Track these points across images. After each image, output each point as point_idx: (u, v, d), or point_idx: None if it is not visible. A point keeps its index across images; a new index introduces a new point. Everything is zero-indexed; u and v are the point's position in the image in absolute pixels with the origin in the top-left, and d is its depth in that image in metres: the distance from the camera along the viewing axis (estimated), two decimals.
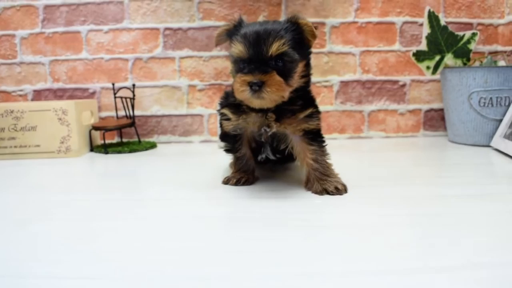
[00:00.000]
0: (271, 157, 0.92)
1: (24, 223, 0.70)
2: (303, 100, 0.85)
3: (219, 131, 1.04)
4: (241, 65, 0.79)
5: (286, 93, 0.79)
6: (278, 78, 0.76)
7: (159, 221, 0.70)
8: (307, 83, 0.87)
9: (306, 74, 0.86)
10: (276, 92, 0.76)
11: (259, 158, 0.94)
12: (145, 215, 0.74)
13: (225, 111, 0.89)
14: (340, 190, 0.82)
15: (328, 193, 0.82)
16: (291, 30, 0.79)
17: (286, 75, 0.78)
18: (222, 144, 0.97)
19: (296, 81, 0.82)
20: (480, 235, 0.61)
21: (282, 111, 0.82)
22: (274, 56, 0.76)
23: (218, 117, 0.95)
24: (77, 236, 0.64)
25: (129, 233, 0.65)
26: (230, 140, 0.93)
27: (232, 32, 0.83)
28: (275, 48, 0.76)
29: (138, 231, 0.66)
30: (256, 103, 0.78)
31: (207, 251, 0.57)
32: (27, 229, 0.68)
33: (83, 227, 0.68)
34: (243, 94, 0.77)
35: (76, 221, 0.72)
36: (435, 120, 1.60)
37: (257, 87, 0.75)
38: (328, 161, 0.87)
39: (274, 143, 0.89)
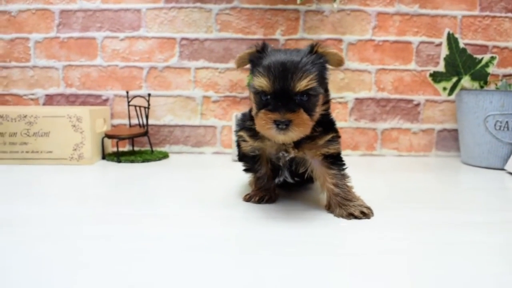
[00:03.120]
0: (290, 180, 0.91)
1: (33, 241, 0.69)
2: (323, 125, 0.82)
3: (234, 147, 1.02)
4: (263, 97, 0.76)
5: (310, 128, 0.77)
6: (305, 116, 0.74)
7: (173, 242, 0.68)
8: (328, 109, 0.85)
9: (327, 101, 0.84)
10: (303, 130, 0.74)
11: (276, 180, 0.93)
12: (158, 235, 0.71)
13: (242, 133, 0.88)
14: (367, 214, 0.81)
15: (355, 217, 0.80)
16: (317, 61, 0.77)
17: (310, 109, 0.76)
18: (241, 162, 0.96)
19: (319, 111, 0.80)
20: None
21: (301, 138, 0.80)
22: (300, 92, 0.74)
23: (234, 138, 0.94)
24: (82, 259, 0.61)
25: (140, 256, 0.62)
26: (249, 161, 0.92)
27: (254, 57, 0.81)
28: (303, 84, 0.73)
29: (150, 254, 0.63)
30: (280, 138, 0.75)
31: (225, 280, 0.55)
32: (34, 248, 0.66)
33: (91, 247, 0.66)
34: (269, 132, 0.74)
35: (85, 239, 0.69)
36: (448, 141, 1.60)
37: (284, 126, 0.72)
38: (349, 184, 0.84)
39: (292, 166, 0.87)
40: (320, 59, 0.78)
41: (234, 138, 0.97)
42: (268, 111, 0.74)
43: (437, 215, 0.85)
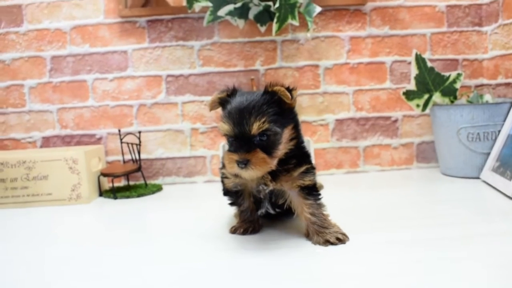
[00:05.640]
0: (271, 211, 0.97)
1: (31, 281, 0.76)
2: (296, 158, 0.89)
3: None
4: (230, 139, 0.85)
5: (273, 164, 0.84)
6: (261, 155, 0.81)
7: (162, 277, 0.75)
8: (298, 143, 0.91)
9: (296, 136, 0.89)
10: (261, 168, 0.81)
11: (259, 212, 0.99)
12: (155, 275, 0.78)
13: (225, 171, 0.95)
14: (342, 240, 0.88)
15: (331, 243, 0.87)
16: (271, 101, 0.83)
17: (270, 148, 0.83)
18: (225, 197, 1.03)
19: (283, 148, 0.86)
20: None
21: (277, 171, 0.87)
22: (257, 134, 0.81)
23: (220, 175, 1.02)
24: None
25: None
26: (232, 196, 0.99)
27: (225, 100, 0.88)
28: (256, 127, 0.80)
29: None
30: (245, 175, 0.83)
31: None
32: None
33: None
34: (233, 170, 0.83)
35: (81, 280, 0.77)
36: (427, 152, 1.68)
37: (243, 165, 0.80)
38: (324, 213, 0.91)
39: (272, 198, 0.94)
40: (274, 97, 0.83)
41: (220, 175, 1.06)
42: (230, 152, 0.83)
43: (415, 233, 0.92)
